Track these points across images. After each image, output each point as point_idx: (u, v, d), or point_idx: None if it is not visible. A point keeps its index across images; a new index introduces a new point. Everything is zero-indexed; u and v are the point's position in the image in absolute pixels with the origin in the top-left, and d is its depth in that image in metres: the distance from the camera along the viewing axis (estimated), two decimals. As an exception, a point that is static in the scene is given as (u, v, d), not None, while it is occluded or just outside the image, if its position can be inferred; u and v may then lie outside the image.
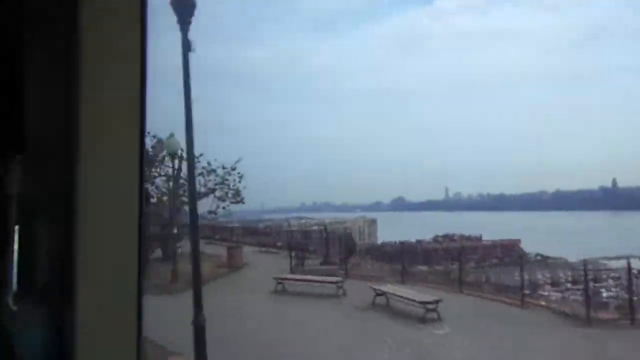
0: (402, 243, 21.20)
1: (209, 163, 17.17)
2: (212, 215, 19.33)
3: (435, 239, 24.88)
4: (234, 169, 18.04)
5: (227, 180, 18.24)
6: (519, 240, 23.76)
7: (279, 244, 22.93)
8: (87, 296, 0.72)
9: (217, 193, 18.25)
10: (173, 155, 15.65)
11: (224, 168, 17.84)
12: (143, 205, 0.74)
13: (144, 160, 0.74)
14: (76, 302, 0.71)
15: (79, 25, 0.69)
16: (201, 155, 14.09)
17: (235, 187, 18.30)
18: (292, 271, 15.83)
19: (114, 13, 0.72)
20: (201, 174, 16.27)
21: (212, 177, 17.84)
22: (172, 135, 14.86)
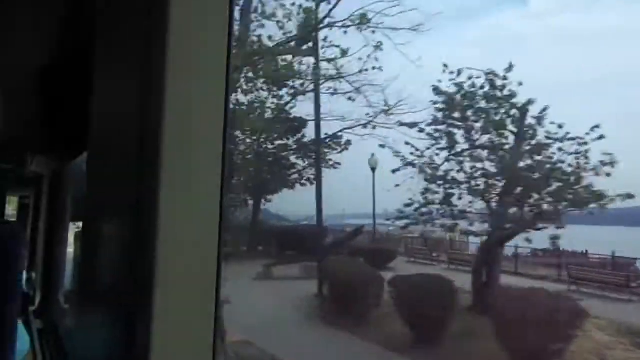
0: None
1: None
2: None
3: (534, 254, 21.22)
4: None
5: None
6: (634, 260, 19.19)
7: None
8: (163, 300, 0.69)
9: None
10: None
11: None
12: (223, 209, 0.71)
13: (226, 160, 0.71)
14: (152, 305, 0.69)
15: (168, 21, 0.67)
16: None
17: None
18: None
19: (201, 8, 0.70)
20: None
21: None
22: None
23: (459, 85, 14.21)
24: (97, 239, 1.08)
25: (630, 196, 13.03)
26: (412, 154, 14.96)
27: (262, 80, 15.74)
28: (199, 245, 0.71)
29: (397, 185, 15.01)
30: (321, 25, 16.01)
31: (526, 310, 9.25)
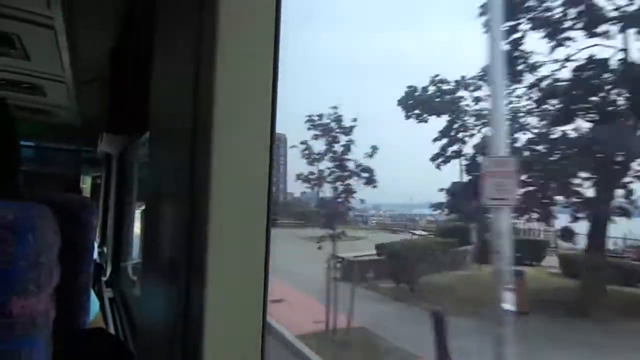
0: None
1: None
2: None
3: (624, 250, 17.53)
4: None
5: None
6: None
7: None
8: (215, 275, 0.74)
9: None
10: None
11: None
12: (271, 189, 0.74)
13: (274, 147, 0.74)
14: (205, 279, 0.73)
15: (217, 8, 0.70)
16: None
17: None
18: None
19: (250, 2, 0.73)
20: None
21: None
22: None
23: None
24: (156, 216, 1.15)
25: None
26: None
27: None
28: (248, 225, 0.74)
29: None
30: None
31: None
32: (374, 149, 15.51)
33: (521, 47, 12.74)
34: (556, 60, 12.10)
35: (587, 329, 10.38)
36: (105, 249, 4.38)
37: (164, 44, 1.11)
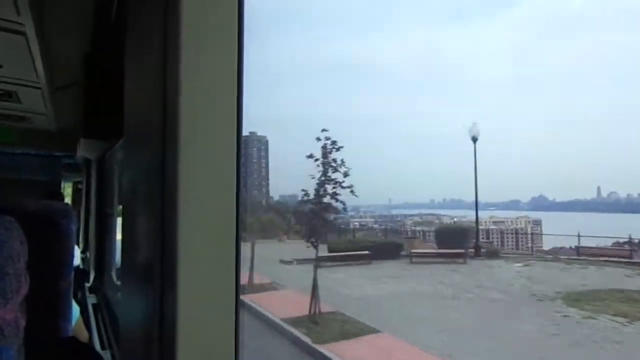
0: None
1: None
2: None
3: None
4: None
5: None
6: None
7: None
8: (187, 276, 0.75)
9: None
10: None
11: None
12: (240, 193, 0.76)
13: (241, 148, 0.75)
14: (177, 283, 0.75)
15: (178, 13, 0.71)
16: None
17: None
18: None
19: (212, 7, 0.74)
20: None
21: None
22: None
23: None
24: (133, 221, 1.15)
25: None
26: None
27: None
28: (218, 229, 0.75)
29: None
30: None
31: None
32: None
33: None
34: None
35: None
36: (88, 254, 4.34)
37: (133, 50, 1.12)
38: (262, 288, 14.43)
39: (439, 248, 21.27)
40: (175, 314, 0.74)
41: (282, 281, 15.50)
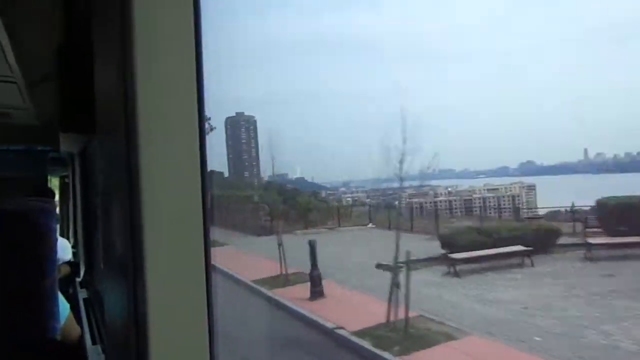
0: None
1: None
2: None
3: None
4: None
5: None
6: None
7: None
8: (155, 269, 0.74)
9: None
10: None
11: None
12: (206, 182, 0.75)
13: (204, 134, 0.74)
14: (145, 276, 0.74)
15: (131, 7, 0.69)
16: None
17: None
18: None
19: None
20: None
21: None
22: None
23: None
24: (108, 216, 1.14)
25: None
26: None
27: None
28: (183, 222, 0.75)
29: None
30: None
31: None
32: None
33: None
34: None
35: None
36: (77, 249, 4.32)
37: (98, 40, 1.09)
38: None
39: (610, 232, 14.37)
40: (146, 309, 0.74)
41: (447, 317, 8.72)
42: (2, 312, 1.55)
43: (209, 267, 0.76)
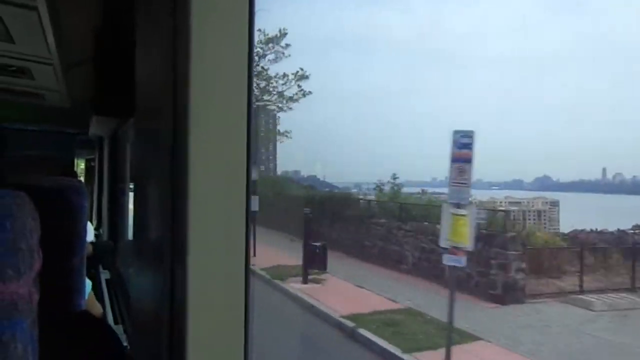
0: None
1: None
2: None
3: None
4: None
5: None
6: None
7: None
8: (197, 256, 0.75)
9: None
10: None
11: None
12: (250, 173, 0.75)
13: (251, 126, 0.74)
14: (187, 262, 0.75)
15: None
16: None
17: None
18: None
19: None
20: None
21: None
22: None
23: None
24: (144, 199, 1.15)
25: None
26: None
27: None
28: (227, 209, 0.75)
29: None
30: None
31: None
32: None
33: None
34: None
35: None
36: (101, 230, 4.40)
37: (143, 24, 1.10)
38: None
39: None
40: (185, 292, 0.74)
41: None
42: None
43: (248, 259, 0.77)
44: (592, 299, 11.49)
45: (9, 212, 0.61)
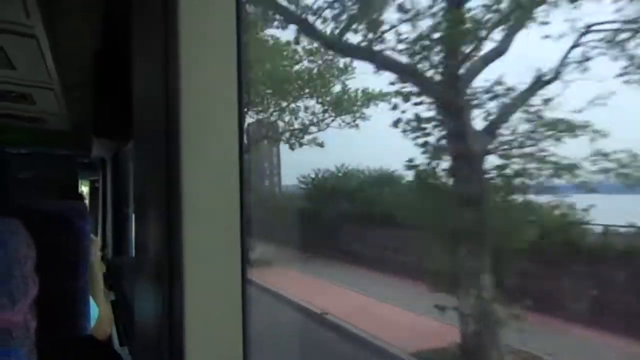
0: None
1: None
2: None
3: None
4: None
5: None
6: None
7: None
8: (193, 275, 0.75)
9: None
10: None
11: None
12: (244, 190, 0.75)
13: (243, 143, 0.75)
14: (183, 280, 0.75)
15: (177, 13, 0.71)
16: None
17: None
18: None
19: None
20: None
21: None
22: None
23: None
24: (143, 220, 1.16)
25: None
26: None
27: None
28: (222, 225, 0.75)
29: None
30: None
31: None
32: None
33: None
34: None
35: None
36: (106, 252, 4.41)
37: (138, 46, 1.12)
38: None
39: None
40: (182, 314, 0.74)
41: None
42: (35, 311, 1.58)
43: (245, 276, 0.77)
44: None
45: (2, 240, 0.61)
